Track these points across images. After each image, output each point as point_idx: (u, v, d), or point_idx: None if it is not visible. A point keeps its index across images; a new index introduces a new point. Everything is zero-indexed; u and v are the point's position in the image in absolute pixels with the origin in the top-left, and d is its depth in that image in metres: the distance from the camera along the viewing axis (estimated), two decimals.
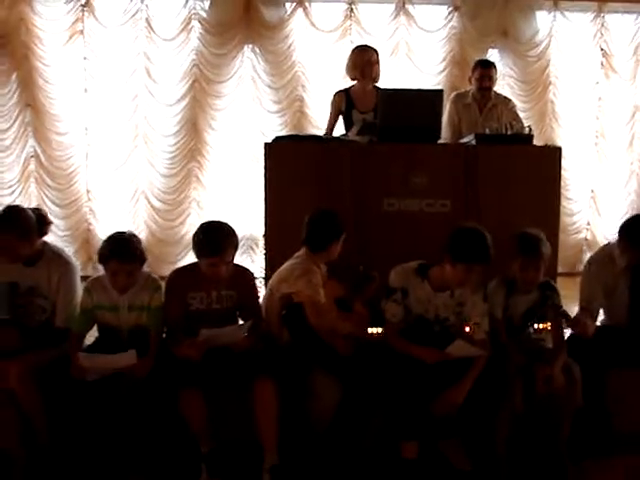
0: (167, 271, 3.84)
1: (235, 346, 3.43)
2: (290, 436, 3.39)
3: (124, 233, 3.61)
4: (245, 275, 3.73)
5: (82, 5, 8.21)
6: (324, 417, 3.48)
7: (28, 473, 3.30)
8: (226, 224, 3.59)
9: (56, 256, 3.67)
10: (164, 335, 3.60)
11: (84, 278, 3.79)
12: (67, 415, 3.34)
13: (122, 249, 3.46)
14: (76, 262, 3.84)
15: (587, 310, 3.77)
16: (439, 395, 3.36)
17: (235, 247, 3.56)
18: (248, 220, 7.85)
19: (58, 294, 3.60)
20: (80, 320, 3.59)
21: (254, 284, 3.79)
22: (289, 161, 4.41)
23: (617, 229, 3.86)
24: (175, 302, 3.57)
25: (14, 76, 8.22)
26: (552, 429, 3.55)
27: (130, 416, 3.35)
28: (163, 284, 3.66)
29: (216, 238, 3.46)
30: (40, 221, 3.60)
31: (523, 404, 3.43)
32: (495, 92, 5.61)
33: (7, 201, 7.77)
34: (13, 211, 3.59)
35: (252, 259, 8.19)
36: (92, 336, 3.72)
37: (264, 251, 4.54)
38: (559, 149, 4.74)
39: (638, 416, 3.77)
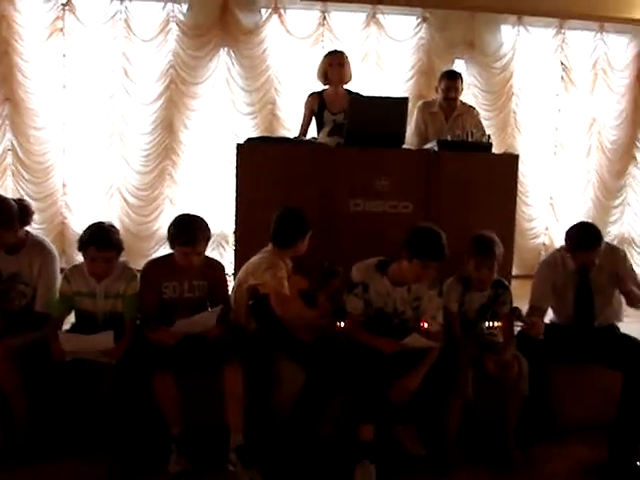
0: (140, 265, 3.89)
1: (206, 334, 3.54)
2: (255, 418, 3.50)
3: (103, 223, 3.69)
4: (215, 266, 3.85)
5: (63, 4, 8.21)
6: (288, 401, 3.60)
7: (5, 453, 3.38)
8: (200, 217, 3.69)
9: (38, 245, 3.75)
10: (138, 322, 3.69)
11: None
12: (45, 396, 3.42)
13: (100, 237, 3.55)
14: (56, 251, 3.89)
15: (537, 309, 3.94)
16: (394, 382, 3.49)
17: (207, 239, 3.68)
18: (219, 217, 7.86)
19: (39, 281, 3.69)
20: (59, 306, 3.69)
21: (224, 275, 3.90)
22: (260, 162, 4.48)
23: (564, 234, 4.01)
24: (150, 291, 3.68)
25: None
26: (500, 417, 3.71)
27: (105, 398, 3.45)
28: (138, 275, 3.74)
29: (190, 229, 3.58)
30: (23, 211, 3.69)
31: (473, 393, 3.56)
32: (461, 101, 5.67)
33: None
34: None
35: (222, 255, 8.19)
36: (68, 323, 3.80)
37: (234, 247, 4.59)
38: (516, 157, 4.91)
39: (580, 410, 3.99)
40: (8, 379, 3.38)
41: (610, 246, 4.12)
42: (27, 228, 3.78)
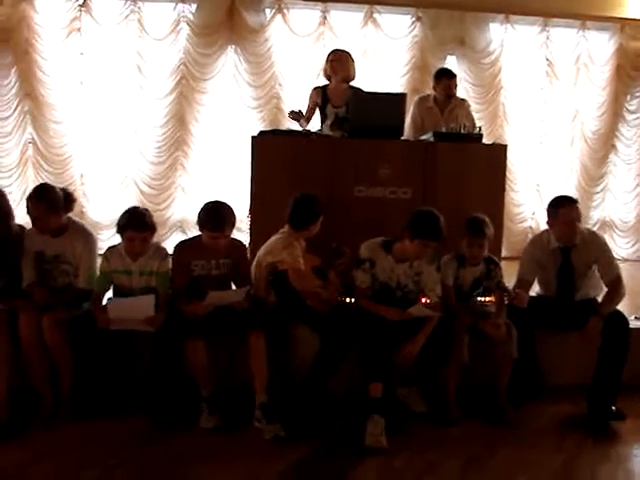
0: None
1: (235, 305, 3.82)
2: (277, 380, 3.77)
3: (138, 207, 4.04)
4: (239, 247, 4.12)
5: (80, 5, 8.51)
6: (305, 364, 3.90)
7: (53, 412, 3.66)
8: (226, 204, 3.93)
9: (79, 229, 4.05)
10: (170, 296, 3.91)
11: None
12: (89, 362, 3.68)
13: (137, 219, 3.86)
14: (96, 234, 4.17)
15: (523, 281, 4.20)
16: (399, 346, 3.77)
17: (233, 224, 3.93)
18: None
19: (81, 260, 3.96)
20: (99, 282, 3.97)
21: (246, 254, 4.19)
22: (272, 152, 4.75)
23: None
24: (181, 268, 3.95)
25: (14, 69, 8.44)
26: (493, 377, 4.02)
27: (144, 363, 3.72)
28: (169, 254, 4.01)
29: (218, 216, 3.84)
30: (67, 199, 3.98)
31: (469, 357, 3.88)
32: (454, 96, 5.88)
33: (5, 184, 7.93)
34: (44, 188, 3.99)
35: None
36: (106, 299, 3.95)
37: (248, 230, 4.87)
38: (505, 147, 5.16)
39: (563, 372, 4.34)
40: (57, 347, 3.66)
41: (593, 232, 4.40)
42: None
